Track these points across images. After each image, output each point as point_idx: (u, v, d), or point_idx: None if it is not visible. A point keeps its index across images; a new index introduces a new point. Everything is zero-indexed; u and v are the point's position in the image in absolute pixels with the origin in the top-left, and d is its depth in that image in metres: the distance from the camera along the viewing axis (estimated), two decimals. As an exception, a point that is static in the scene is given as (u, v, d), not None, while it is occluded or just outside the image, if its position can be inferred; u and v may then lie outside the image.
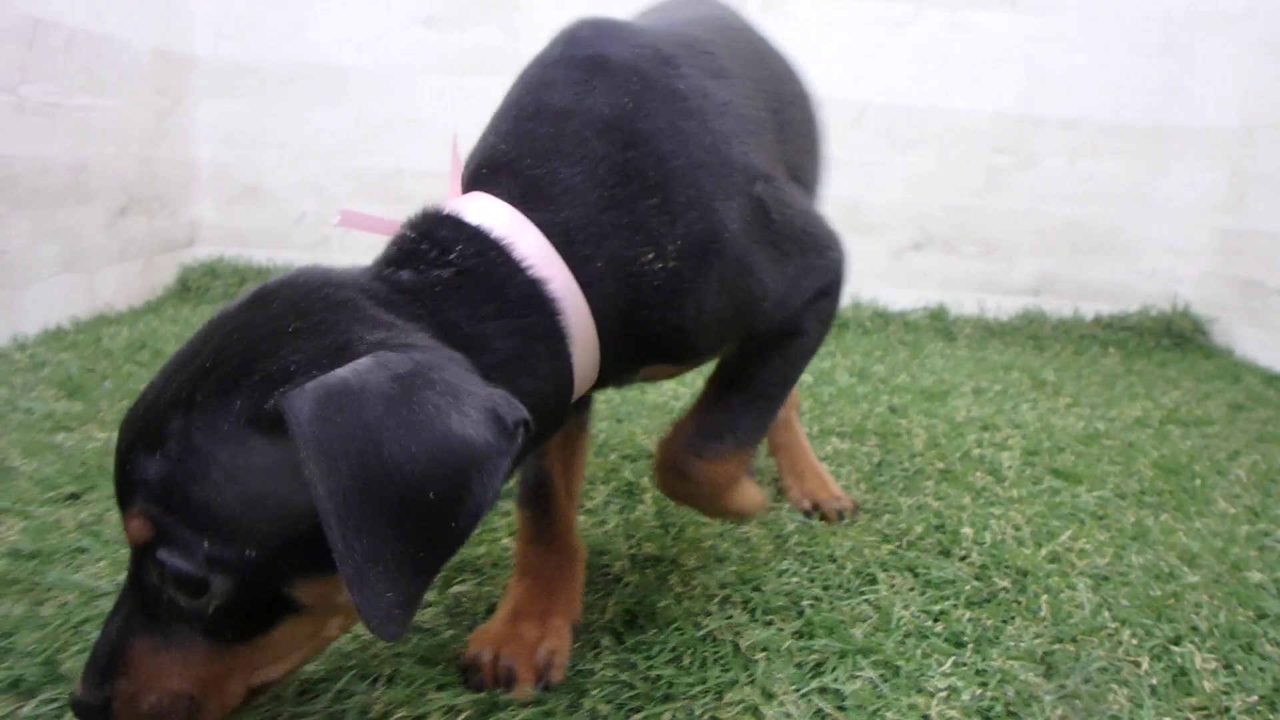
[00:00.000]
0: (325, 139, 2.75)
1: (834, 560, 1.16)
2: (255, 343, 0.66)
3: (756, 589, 1.07)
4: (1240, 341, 2.64)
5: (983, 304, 2.81)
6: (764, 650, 0.94)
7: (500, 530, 1.20)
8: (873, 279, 2.80)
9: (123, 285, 2.39)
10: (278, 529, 0.63)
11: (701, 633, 0.97)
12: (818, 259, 0.98)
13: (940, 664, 0.94)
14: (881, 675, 0.92)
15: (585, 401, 1.07)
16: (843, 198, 2.65)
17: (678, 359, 0.91)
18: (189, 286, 2.66)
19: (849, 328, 2.70)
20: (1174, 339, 2.69)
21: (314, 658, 0.75)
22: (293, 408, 0.58)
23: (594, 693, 0.86)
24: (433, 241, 0.76)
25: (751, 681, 0.89)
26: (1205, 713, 0.90)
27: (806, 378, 2.10)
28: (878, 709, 0.86)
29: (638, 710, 0.83)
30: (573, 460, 1.05)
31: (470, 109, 0.95)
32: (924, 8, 2.74)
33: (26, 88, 1.92)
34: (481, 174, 0.82)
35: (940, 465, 1.55)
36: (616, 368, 0.86)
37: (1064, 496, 1.44)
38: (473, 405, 0.62)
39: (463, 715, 0.82)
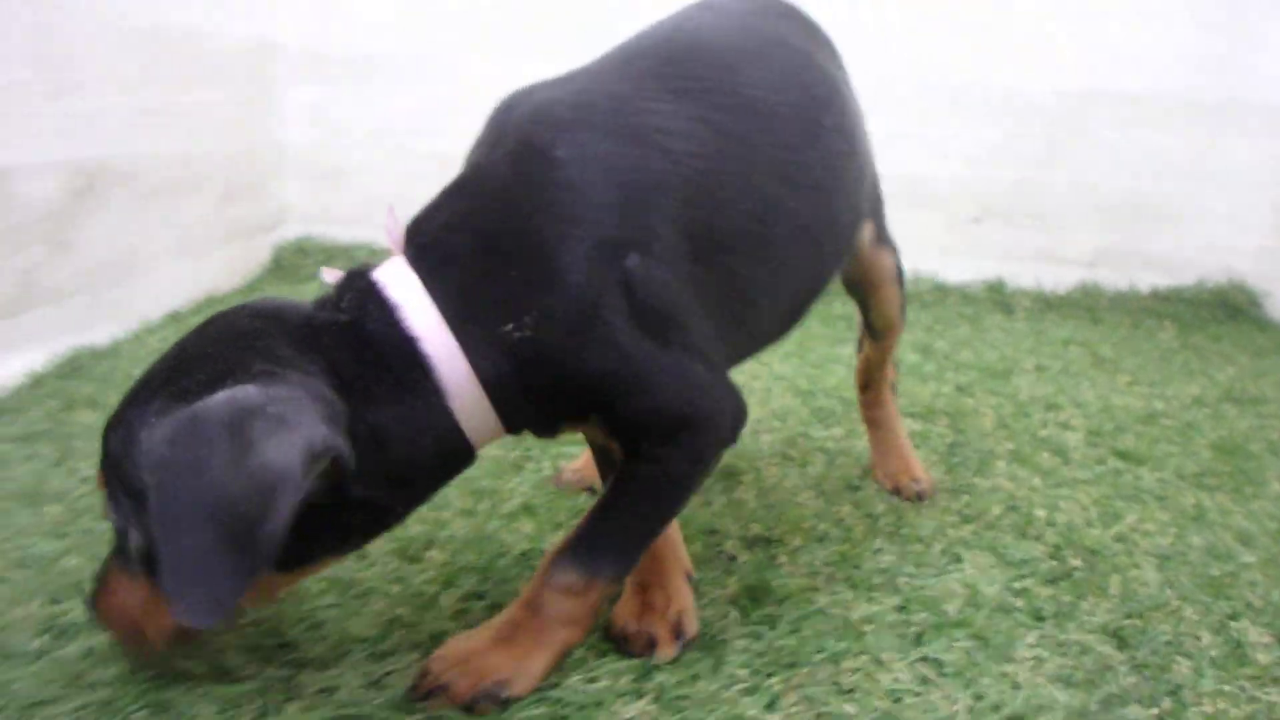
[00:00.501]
0: (406, 121, 2.88)
1: (920, 540, 1.30)
2: (183, 360, 0.84)
3: (856, 567, 1.21)
4: (1294, 314, 2.72)
5: (1039, 277, 2.90)
6: (870, 623, 1.09)
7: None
8: (932, 252, 2.89)
9: (226, 267, 2.56)
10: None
11: (815, 607, 1.11)
12: (689, 362, 0.93)
13: (1025, 636, 1.08)
14: (974, 646, 1.05)
15: None
16: (902, 172, 2.73)
17: (581, 416, 0.94)
18: (282, 265, 2.82)
19: (909, 301, 2.80)
20: (1228, 311, 2.77)
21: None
22: (149, 436, 0.77)
23: (731, 659, 1.00)
24: (347, 290, 0.89)
25: (863, 651, 1.03)
26: (1259, 682, 1.02)
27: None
28: (973, 676, 1.00)
29: (771, 674, 0.98)
30: None
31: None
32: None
33: (146, 90, 2.07)
34: (409, 236, 0.92)
35: (1010, 446, 1.67)
36: (529, 421, 0.93)
37: (1127, 478, 1.56)
38: (291, 438, 0.74)
39: (623, 678, 0.97)
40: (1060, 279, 2.90)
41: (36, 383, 1.75)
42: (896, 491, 1.45)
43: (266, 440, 0.73)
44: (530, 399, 0.91)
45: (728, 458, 1.54)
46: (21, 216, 1.72)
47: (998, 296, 2.84)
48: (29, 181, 1.73)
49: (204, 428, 0.73)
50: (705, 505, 1.37)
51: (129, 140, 2.00)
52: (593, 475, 1.36)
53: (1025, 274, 2.91)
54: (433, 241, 0.91)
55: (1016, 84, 2.86)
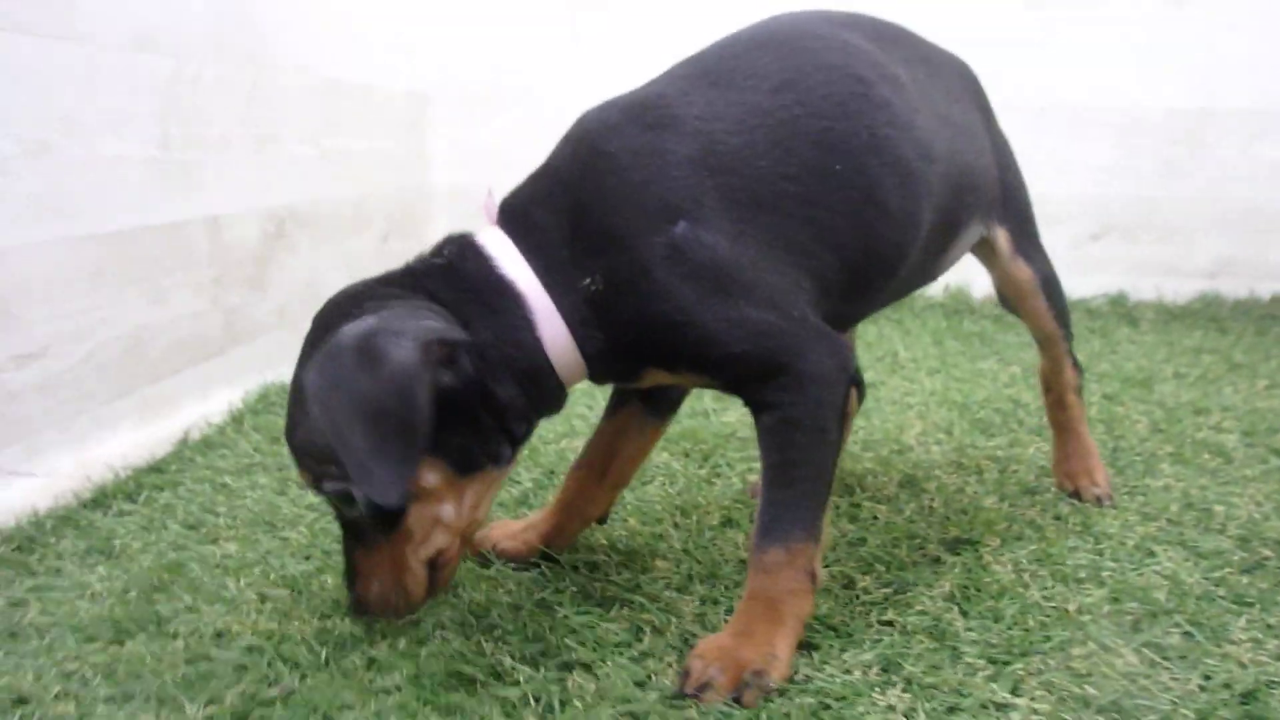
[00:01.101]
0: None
1: (1110, 537, 1.36)
2: (313, 329, 1.04)
3: (1059, 563, 1.27)
4: None
5: (1160, 288, 2.93)
6: (1087, 613, 1.15)
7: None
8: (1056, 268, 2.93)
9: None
10: None
11: (1030, 601, 1.18)
12: (752, 310, 1.03)
13: (1236, 621, 1.13)
14: (1191, 631, 1.11)
15: (668, 404, 1.31)
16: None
17: (665, 365, 1.10)
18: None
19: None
20: (1356, 315, 2.77)
21: (464, 530, 1.07)
22: (306, 380, 0.94)
23: (966, 650, 1.07)
24: (445, 245, 1.10)
25: (1088, 639, 1.09)
26: None
27: (1015, 370, 2.28)
28: (1197, 658, 1.06)
29: (1008, 663, 1.05)
30: (621, 444, 1.30)
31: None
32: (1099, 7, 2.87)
33: (326, 140, 2.24)
34: (500, 212, 1.12)
35: (1170, 449, 1.72)
36: (610, 366, 1.10)
37: (1296, 476, 1.59)
38: (405, 340, 0.92)
39: (873, 670, 1.05)
40: (1181, 290, 2.92)
41: (237, 418, 1.90)
42: (1076, 494, 1.50)
43: (387, 347, 0.91)
44: (608, 344, 1.07)
45: (907, 468, 1.62)
46: (228, 260, 1.88)
47: (1121, 309, 2.87)
48: (235, 228, 1.89)
49: (338, 354, 0.92)
50: (899, 512, 1.45)
51: (311, 187, 2.16)
52: None
53: (1146, 287, 2.94)
54: (519, 214, 1.11)
55: (1133, 102, 2.91)
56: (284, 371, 2.19)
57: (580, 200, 1.08)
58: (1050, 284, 1.50)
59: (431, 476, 1.01)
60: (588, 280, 1.05)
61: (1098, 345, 2.53)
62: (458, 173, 3.10)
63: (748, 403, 1.10)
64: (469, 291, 1.06)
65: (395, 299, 1.02)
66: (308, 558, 1.33)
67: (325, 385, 0.92)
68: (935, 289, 3.09)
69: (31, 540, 1.36)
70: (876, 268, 1.19)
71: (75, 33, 1.43)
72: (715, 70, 1.15)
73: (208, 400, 1.84)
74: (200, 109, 1.74)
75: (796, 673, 1.04)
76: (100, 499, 1.50)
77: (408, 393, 0.91)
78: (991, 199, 1.40)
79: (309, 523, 1.44)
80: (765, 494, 1.07)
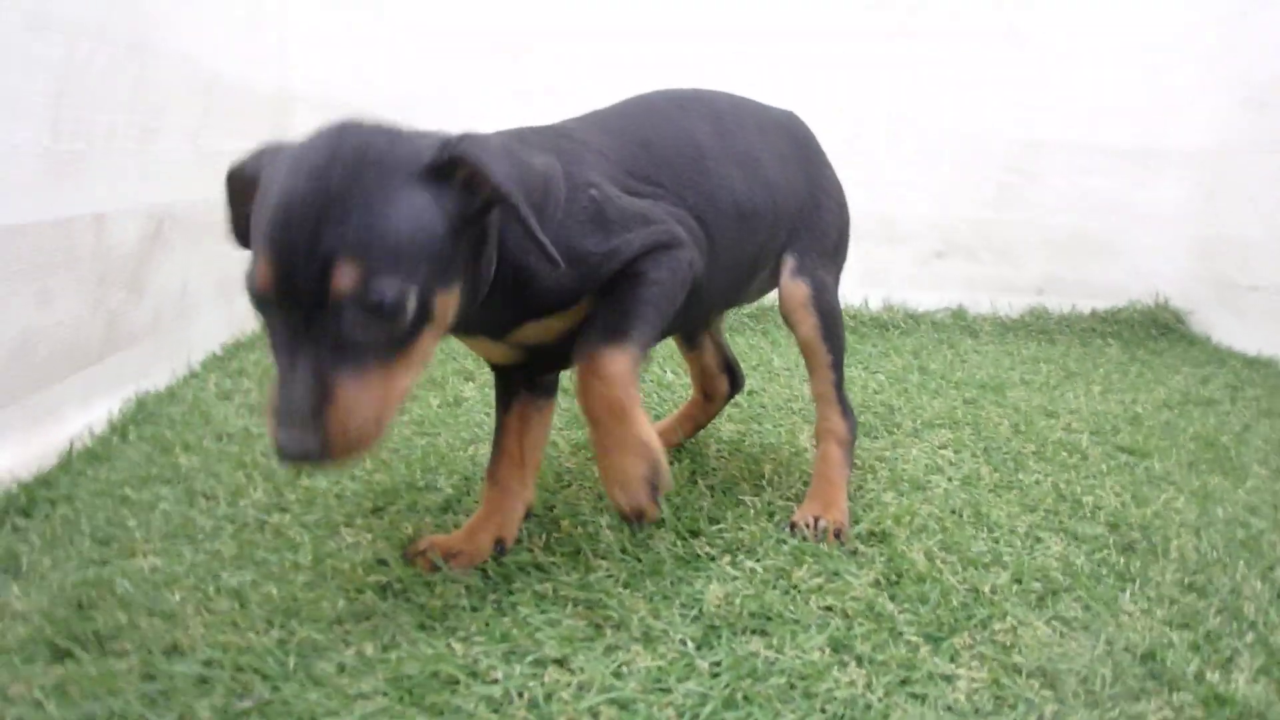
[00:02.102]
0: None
1: (1001, 526, 1.50)
2: (380, 142, 0.99)
3: (964, 551, 1.40)
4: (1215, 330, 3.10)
5: (995, 303, 3.21)
6: (999, 593, 1.28)
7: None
8: (902, 284, 3.17)
9: (251, 310, 2.62)
10: (433, 252, 0.99)
11: (947, 584, 1.29)
12: (643, 229, 1.24)
13: (1123, 594, 1.29)
14: (1089, 603, 1.26)
15: (546, 387, 1.44)
16: (876, 212, 3.03)
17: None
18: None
19: (889, 328, 3.07)
20: (1159, 329, 3.13)
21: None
22: (472, 151, 0.99)
23: (906, 630, 1.18)
24: None
25: (1007, 614, 1.22)
26: (1313, 618, 1.26)
27: (880, 378, 2.45)
28: (1098, 627, 1.20)
29: (941, 640, 1.16)
30: (527, 429, 1.42)
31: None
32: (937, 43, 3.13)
33: (204, 138, 2.14)
34: None
35: (1032, 448, 1.91)
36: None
37: (1140, 469, 1.81)
38: (534, 153, 1.08)
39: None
40: (1014, 304, 3.21)
41: (119, 429, 1.79)
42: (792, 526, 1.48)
43: (530, 153, 1.09)
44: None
45: (808, 469, 1.73)
46: (110, 261, 1.78)
47: (962, 322, 3.12)
48: (117, 227, 1.79)
49: (494, 146, 1.02)
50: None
51: (188, 187, 2.06)
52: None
53: (983, 301, 3.22)
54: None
55: (974, 131, 3.19)
56: (159, 381, 2.10)
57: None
58: (822, 301, 1.56)
59: (450, 302, 1.04)
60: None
61: (949, 355, 2.75)
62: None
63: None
64: None
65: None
66: (240, 568, 1.29)
67: (509, 163, 1.00)
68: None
69: (-74, 560, 1.25)
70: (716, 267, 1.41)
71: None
72: (605, 126, 1.38)
73: (89, 409, 1.73)
74: (89, 96, 1.64)
75: (758, 655, 1.10)
76: (-8, 514, 1.40)
77: (555, 185, 1.07)
78: (786, 237, 1.55)
79: (231, 534, 1.39)
80: (603, 315, 1.22)
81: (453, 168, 1.01)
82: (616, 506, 1.20)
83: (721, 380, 1.85)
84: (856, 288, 3.14)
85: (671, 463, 1.74)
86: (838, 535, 1.42)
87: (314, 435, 0.93)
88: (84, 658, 1.06)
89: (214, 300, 2.34)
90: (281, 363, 0.96)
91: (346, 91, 2.99)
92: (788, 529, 1.45)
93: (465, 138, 1.01)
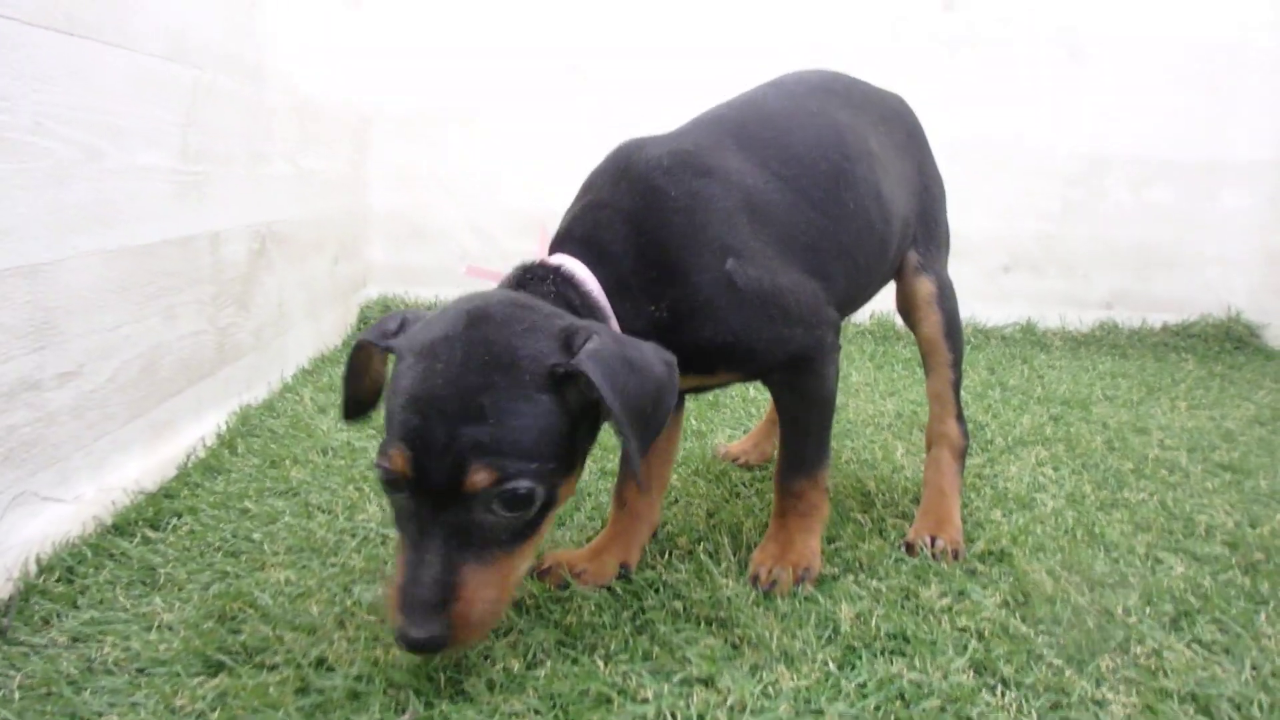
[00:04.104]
0: (482, 181, 3.03)
1: (1118, 546, 1.49)
2: (508, 340, 1.02)
3: (1087, 570, 1.39)
4: (1289, 344, 3.06)
5: (1064, 317, 3.19)
6: (1133, 615, 1.26)
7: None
8: (969, 298, 3.15)
9: (333, 325, 2.65)
10: (557, 450, 1.02)
11: (1078, 605, 1.29)
12: (786, 329, 1.27)
13: (1258, 616, 1.27)
14: (1226, 626, 1.24)
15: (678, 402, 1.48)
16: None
17: (708, 371, 1.28)
18: (367, 323, 2.91)
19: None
20: (1234, 343, 3.09)
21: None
22: (591, 367, 0.99)
23: (1046, 652, 1.17)
24: (540, 274, 1.18)
25: (1144, 637, 1.21)
26: None
27: (969, 397, 2.44)
28: (1241, 650, 1.19)
29: (1084, 663, 1.15)
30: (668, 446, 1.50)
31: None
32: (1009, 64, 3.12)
33: (302, 158, 2.17)
34: (561, 241, 1.24)
35: (1130, 465, 1.89)
36: None
37: (1246, 487, 1.78)
38: (656, 356, 1.08)
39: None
40: (1083, 319, 3.19)
41: (228, 442, 1.82)
42: (909, 547, 1.48)
43: (651, 361, 1.07)
44: None
45: (911, 486, 1.72)
46: (222, 278, 1.81)
47: (1032, 337, 3.10)
48: (230, 244, 1.82)
49: (616, 360, 1.02)
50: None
51: (288, 205, 2.10)
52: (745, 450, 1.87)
53: (1051, 316, 3.19)
54: (589, 244, 1.22)
55: (1038, 146, 3.17)
56: (259, 394, 2.13)
57: (647, 236, 1.22)
58: (945, 299, 1.59)
59: (572, 486, 1.09)
60: (653, 307, 1.21)
61: (1025, 370, 2.73)
62: (395, 197, 3.07)
63: (768, 383, 1.37)
64: (578, 315, 1.14)
65: (566, 318, 1.10)
66: (371, 583, 1.30)
67: (620, 382, 1.01)
68: (862, 316, 3.26)
69: (71, 571, 1.28)
70: (857, 289, 1.48)
71: (124, 38, 1.36)
72: (737, 135, 1.36)
73: (202, 422, 1.76)
74: (212, 121, 1.67)
75: (901, 679, 1.10)
76: (123, 525, 1.42)
77: (665, 398, 1.07)
78: (913, 231, 1.59)
79: (354, 548, 1.41)
80: (785, 442, 1.38)
81: (574, 375, 1.03)
82: (755, 572, 1.33)
83: None
84: (924, 302, 3.13)
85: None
86: (955, 555, 1.42)
87: (439, 626, 0.98)
88: (238, 670, 1.07)
89: (304, 315, 2.37)
90: (408, 540, 1.01)
91: (420, 110, 3.03)
92: (904, 549, 1.45)
93: (586, 349, 1.02)
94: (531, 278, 1.19)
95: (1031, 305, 3.22)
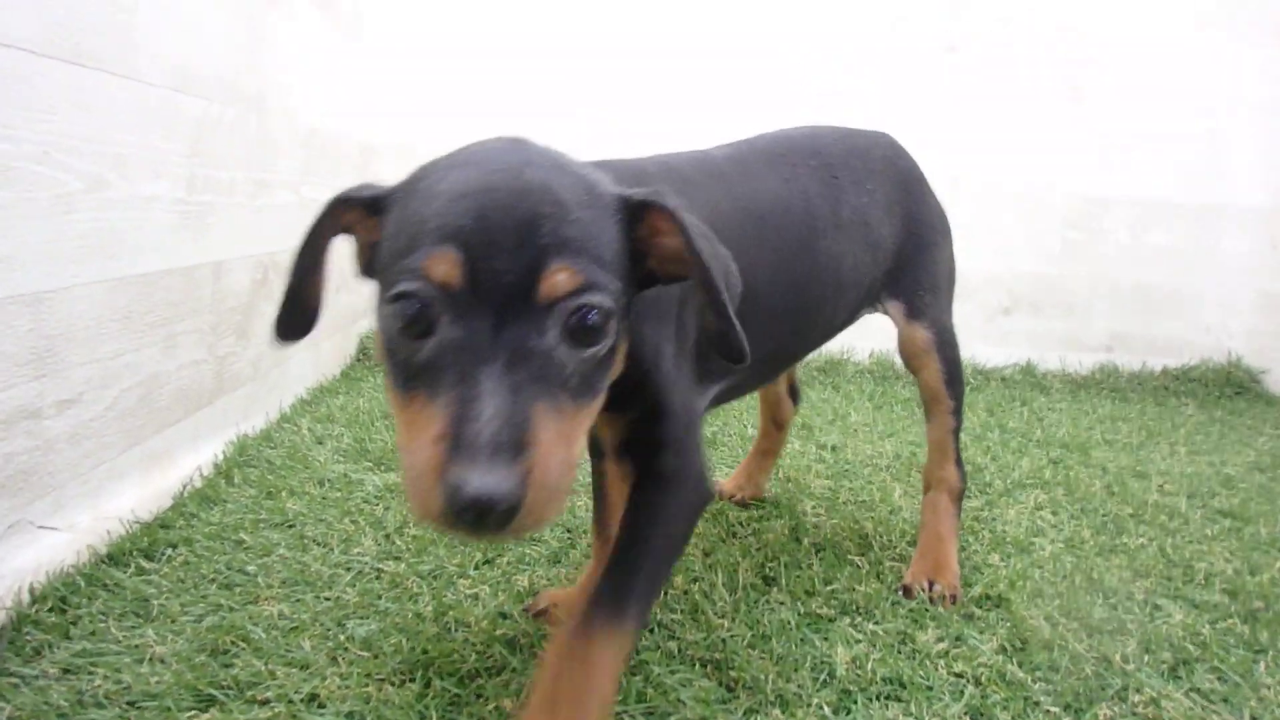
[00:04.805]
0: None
1: (1116, 592, 1.48)
2: (567, 161, 0.88)
3: (1085, 617, 1.39)
4: (1289, 390, 3.06)
5: (1063, 360, 3.19)
6: (1130, 662, 1.26)
7: (850, 574, 1.50)
8: (970, 339, 3.16)
9: (331, 356, 2.65)
10: (624, 285, 0.84)
11: (1075, 651, 1.28)
12: (686, 412, 1.09)
13: (1257, 665, 1.26)
14: (1224, 675, 1.23)
15: None
16: (946, 268, 3.04)
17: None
18: (367, 354, 2.91)
19: (957, 383, 3.06)
20: (1234, 388, 3.10)
21: None
22: (674, 204, 0.86)
23: (1043, 699, 1.16)
24: None
25: (1141, 686, 1.20)
26: None
27: (968, 439, 2.43)
28: (1240, 701, 1.18)
29: (1082, 711, 1.14)
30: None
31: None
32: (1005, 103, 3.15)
33: (305, 188, 2.19)
34: None
35: (1129, 510, 1.88)
36: None
37: (1246, 534, 1.78)
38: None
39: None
40: (1083, 361, 3.19)
41: (224, 472, 1.81)
42: (906, 590, 1.46)
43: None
44: None
45: (908, 528, 1.72)
46: (222, 308, 1.81)
47: (1032, 378, 3.10)
48: (232, 274, 1.83)
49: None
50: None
51: (291, 235, 2.10)
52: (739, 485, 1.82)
53: (1051, 358, 3.20)
54: None
55: (1037, 186, 3.19)
56: (256, 424, 2.13)
57: None
58: (945, 346, 1.54)
59: (621, 354, 0.91)
60: None
61: (1024, 413, 2.73)
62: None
63: (638, 465, 1.07)
64: None
65: None
66: (365, 618, 1.29)
67: (700, 232, 0.86)
68: (862, 356, 3.26)
69: (64, 601, 1.27)
70: (790, 339, 1.41)
71: (131, 69, 1.38)
72: (717, 172, 1.29)
73: (198, 452, 1.76)
74: (217, 152, 1.69)
75: (898, 724, 1.09)
76: (117, 555, 1.41)
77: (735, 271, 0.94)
78: (877, 289, 1.52)
79: (349, 582, 1.40)
80: (615, 552, 1.02)
81: (641, 212, 0.87)
82: None
83: (787, 403, 1.86)
84: (924, 342, 3.14)
85: (771, 518, 1.73)
86: (952, 600, 1.41)
87: (515, 477, 0.69)
88: (230, 705, 1.06)
89: (303, 345, 2.37)
90: (452, 377, 0.74)
91: (421, 140, 3.06)
92: (900, 592, 1.44)
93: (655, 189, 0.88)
94: None
95: (1031, 347, 3.22)
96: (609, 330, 0.81)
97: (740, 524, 1.72)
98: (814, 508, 1.81)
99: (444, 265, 0.76)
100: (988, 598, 1.44)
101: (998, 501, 1.92)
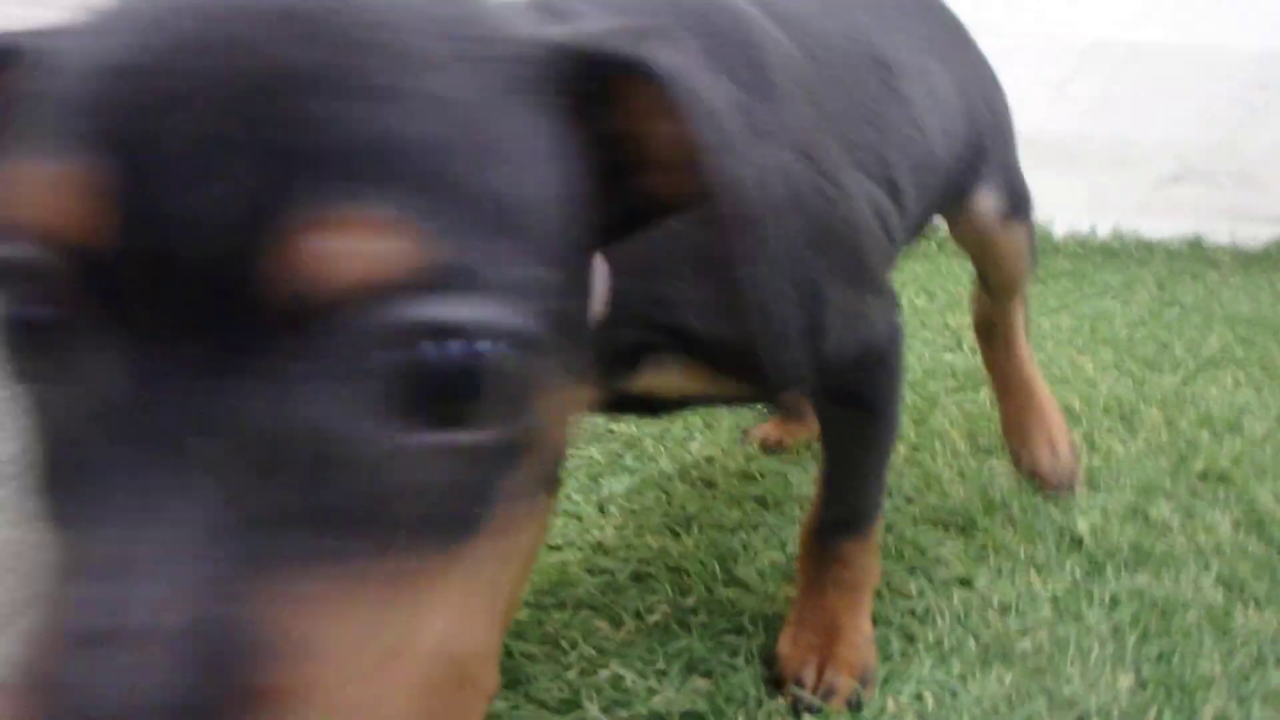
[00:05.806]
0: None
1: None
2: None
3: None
4: None
5: (1234, 233, 3.07)
6: None
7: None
8: (1133, 210, 3.06)
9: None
10: (569, 253, 0.40)
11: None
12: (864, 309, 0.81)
13: None
14: None
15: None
16: (1104, 134, 2.93)
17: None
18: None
19: (1119, 256, 2.97)
20: None
21: None
22: (666, 66, 0.39)
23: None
24: None
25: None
26: None
27: (1135, 309, 2.39)
28: None
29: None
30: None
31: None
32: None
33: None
34: None
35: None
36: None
37: None
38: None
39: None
40: (1257, 235, 3.07)
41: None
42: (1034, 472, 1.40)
43: None
44: None
45: (1124, 409, 1.71)
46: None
47: (1199, 253, 3.00)
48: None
49: None
50: (1145, 450, 1.54)
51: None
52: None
53: (1221, 230, 3.08)
54: None
55: (1213, 44, 3.00)
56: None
57: None
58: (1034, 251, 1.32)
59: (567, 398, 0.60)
60: None
61: (1198, 289, 2.66)
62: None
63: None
64: None
65: None
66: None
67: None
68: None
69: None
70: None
71: None
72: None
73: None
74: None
75: (1151, 591, 1.13)
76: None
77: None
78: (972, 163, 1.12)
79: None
80: (830, 486, 0.96)
81: (604, 79, 0.40)
82: (793, 674, 0.89)
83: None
84: (1084, 214, 3.05)
85: (967, 389, 1.75)
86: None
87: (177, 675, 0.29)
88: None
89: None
90: (76, 492, 0.31)
91: None
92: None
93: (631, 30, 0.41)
94: None
95: (1201, 219, 3.09)
96: (511, 384, 0.35)
97: (942, 394, 1.74)
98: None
99: (64, 201, 0.31)
100: (1210, 474, 1.45)
101: (1193, 379, 1.90)
